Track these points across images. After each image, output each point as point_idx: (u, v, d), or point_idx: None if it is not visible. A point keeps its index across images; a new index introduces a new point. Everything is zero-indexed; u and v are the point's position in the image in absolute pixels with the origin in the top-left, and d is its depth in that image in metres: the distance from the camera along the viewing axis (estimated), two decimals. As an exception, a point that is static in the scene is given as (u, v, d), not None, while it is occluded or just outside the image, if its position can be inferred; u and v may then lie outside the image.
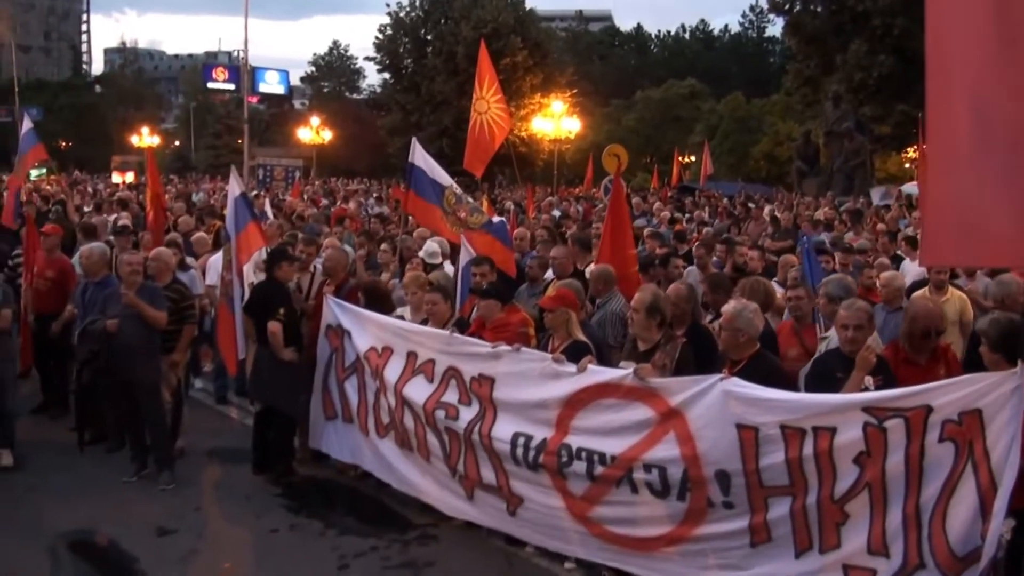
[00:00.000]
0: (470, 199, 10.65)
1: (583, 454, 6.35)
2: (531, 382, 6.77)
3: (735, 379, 5.78)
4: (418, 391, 7.55)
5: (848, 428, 5.33)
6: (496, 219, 11.14)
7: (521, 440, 6.71)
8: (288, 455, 8.77)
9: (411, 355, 7.71)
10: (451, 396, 7.31)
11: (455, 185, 10.51)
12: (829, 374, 6.02)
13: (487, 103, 12.46)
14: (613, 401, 6.27)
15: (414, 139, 10.81)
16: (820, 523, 5.51)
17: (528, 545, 7.04)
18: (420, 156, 10.44)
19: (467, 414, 7.13)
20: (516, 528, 7.01)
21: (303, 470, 8.80)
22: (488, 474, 7.04)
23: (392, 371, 7.81)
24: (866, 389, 5.66)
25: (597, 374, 6.43)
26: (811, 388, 6.10)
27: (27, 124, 14.98)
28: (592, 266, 9.14)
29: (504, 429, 6.85)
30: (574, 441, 6.43)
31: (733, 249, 10.97)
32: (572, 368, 6.52)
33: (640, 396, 6.12)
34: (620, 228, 9.15)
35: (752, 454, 5.62)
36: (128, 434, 8.87)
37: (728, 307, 6.19)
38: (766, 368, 6.05)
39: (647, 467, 6.04)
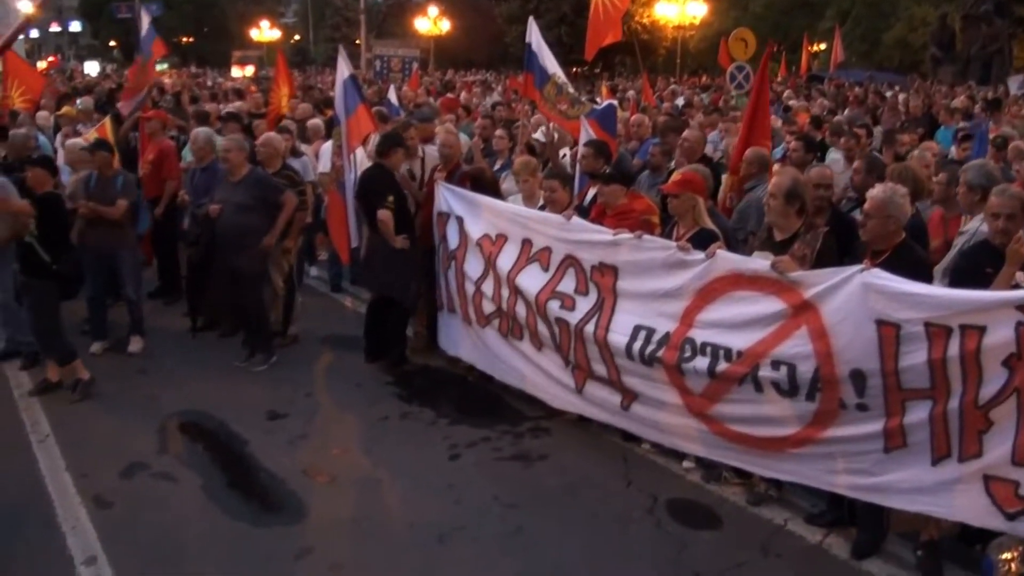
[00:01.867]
0: (571, 90, 10.10)
1: (708, 349, 5.93)
2: (655, 272, 6.33)
3: (877, 271, 5.20)
4: (532, 280, 7.21)
5: (999, 328, 4.75)
6: (602, 103, 10.61)
7: (642, 333, 6.32)
8: (401, 344, 8.65)
9: (526, 242, 7.35)
10: (567, 285, 6.96)
11: (559, 75, 10.00)
12: (977, 268, 5.38)
13: None
14: (744, 294, 5.79)
15: (531, 19, 10.28)
16: (961, 430, 4.97)
17: (644, 441, 6.76)
18: (535, 38, 9.93)
19: (584, 304, 6.78)
20: (630, 423, 6.71)
21: (415, 359, 8.68)
22: (599, 368, 6.71)
23: (505, 259, 7.49)
24: (1017, 286, 5.05)
25: (727, 263, 5.95)
26: (956, 283, 5.49)
27: (146, 20, 14.94)
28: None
29: (624, 321, 6.47)
30: (699, 335, 6.00)
31: (893, 140, 10.09)
32: (699, 257, 6.05)
33: (774, 288, 5.62)
34: (760, 115, 8.52)
35: (891, 353, 5.08)
36: (238, 319, 8.85)
37: (876, 192, 5.54)
38: (912, 260, 5.46)
39: (775, 364, 5.58)
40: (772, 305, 5.64)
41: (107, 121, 10.66)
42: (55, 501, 6.16)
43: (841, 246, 5.88)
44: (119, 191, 8.61)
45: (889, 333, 5.08)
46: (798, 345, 5.49)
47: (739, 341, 5.78)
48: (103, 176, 8.63)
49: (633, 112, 13.99)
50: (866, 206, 5.57)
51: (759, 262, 5.80)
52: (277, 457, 6.77)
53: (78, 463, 6.69)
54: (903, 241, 5.55)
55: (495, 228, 7.70)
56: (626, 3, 12.42)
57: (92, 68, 57.36)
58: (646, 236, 6.51)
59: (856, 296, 5.22)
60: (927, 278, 5.36)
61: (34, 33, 67.44)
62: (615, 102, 11.27)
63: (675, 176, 6.84)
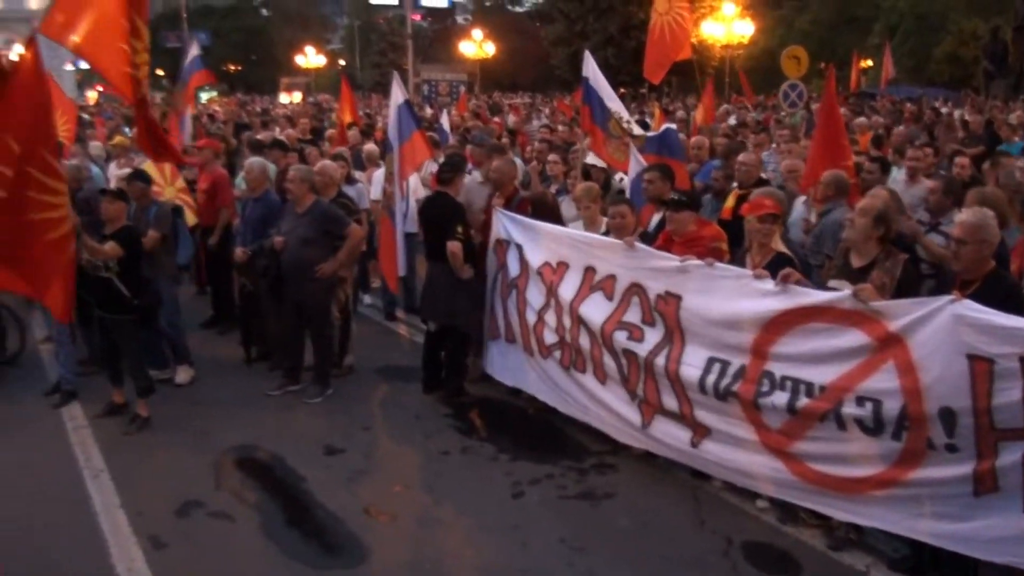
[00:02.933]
0: (635, 129, 9.91)
1: (787, 384, 5.63)
2: (726, 301, 6.03)
3: (968, 302, 4.88)
4: (596, 310, 6.97)
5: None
6: (663, 127, 10.39)
7: (716, 366, 6.04)
8: (460, 375, 8.46)
9: (589, 270, 7.11)
10: (634, 315, 6.70)
11: (622, 112, 9.81)
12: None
13: (668, 3, 11.48)
14: (823, 325, 5.48)
15: (587, 53, 10.09)
16: (1059, 474, 4.66)
17: (714, 478, 6.47)
18: (592, 71, 9.75)
19: (653, 336, 6.52)
20: (700, 461, 6.41)
21: (473, 390, 8.48)
22: (670, 401, 6.44)
23: (567, 287, 7.26)
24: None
25: (805, 294, 5.65)
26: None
27: (194, 50, 14.92)
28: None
29: (697, 353, 6.20)
30: (777, 369, 5.70)
31: (998, 162, 9.15)
32: (775, 285, 5.77)
33: (855, 320, 5.32)
34: (833, 134, 8.23)
35: (984, 390, 4.76)
36: (284, 349, 8.76)
37: (967, 216, 5.23)
38: (1004, 289, 5.14)
39: (859, 400, 5.27)
40: (856, 338, 5.34)
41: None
42: (109, 541, 6.02)
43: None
44: (151, 222, 8.54)
45: (982, 369, 4.77)
46: (884, 380, 5.19)
47: (821, 375, 5.48)
48: (140, 206, 8.57)
49: (695, 132, 13.71)
50: (956, 232, 5.26)
51: (838, 292, 5.52)
52: (336, 494, 6.60)
53: (133, 500, 6.57)
54: (993, 269, 5.25)
55: (556, 255, 7.48)
56: (691, 22, 12.23)
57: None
58: (717, 264, 6.25)
59: (946, 329, 4.91)
60: (1021, 310, 5.05)
61: (84, 63, 68.78)
62: (672, 125, 11.07)
63: (752, 199, 6.57)
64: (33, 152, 6.14)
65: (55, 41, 6.92)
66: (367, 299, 11.55)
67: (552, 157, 10.47)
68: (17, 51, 75.62)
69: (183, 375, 8.86)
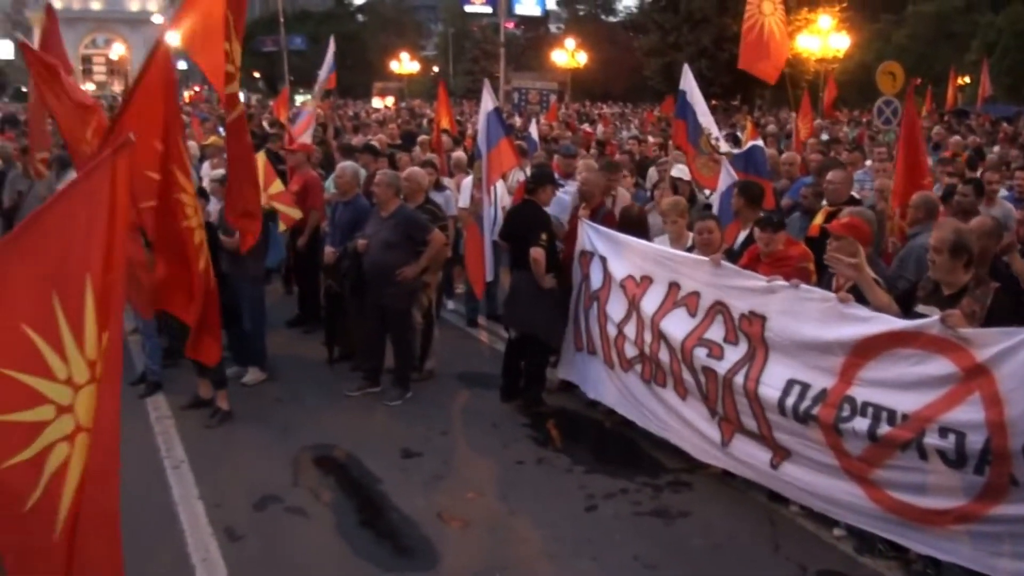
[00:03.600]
0: (721, 147, 9.77)
1: (869, 410, 5.50)
2: (811, 324, 5.92)
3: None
4: (678, 325, 6.92)
5: None
6: (749, 144, 10.24)
7: (796, 388, 5.93)
8: (539, 384, 8.46)
9: (673, 286, 7.07)
10: (715, 333, 6.63)
11: (712, 130, 9.69)
12: None
13: (773, 5, 11.22)
14: (910, 352, 5.34)
15: (685, 65, 9.99)
16: None
17: (791, 503, 6.34)
18: (690, 84, 9.65)
19: (733, 354, 6.44)
20: (779, 483, 6.30)
21: (551, 400, 8.47)
22: (749, 421, 6.34)
23: (650, 302, 7.22)
24: None
25: (891, 320, 5.50)
26: None
27: (329, 54, 15.02)
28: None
29: (776, 374, 6.09)
30: (860, 394, 5.57)
31: None
32: (861, 310, 5.65)
33: (942, 347, 5.17)
34: (913, 153, 8.05)
35: (1072, 429, 4.61)
36: (365, 351, 8.86)
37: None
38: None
39: (943, 431, 5.12)
40: (942, 366, 5.20)
41: (262, 154, 10.84)
42: (187, 531, 6.17)
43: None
44: None
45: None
46: (969, 412, 5.04)
47: (904, 403, 5.35)
48: None
49: (799, 146, 13.44)
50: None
51: (926, 319, 5.36)
52: (411, 498, 6.65)
53: (211, 492, 6.71)
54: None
55: (640, 269, 7.45)
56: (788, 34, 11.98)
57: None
58: (803, 285, 6.14)
59: (1034, 361, 4.76)
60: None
61: (181, 65, 70.85)
62: (760, 142, 10.89)
63: (840, 219, 6.44)
64: (172, 149, 6.21)
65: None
66: (450, 304, 11.63)
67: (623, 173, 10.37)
68: (118, 51, 78.49)
69: (252, 376, 9.00)
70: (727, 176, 8.96)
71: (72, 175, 11.05)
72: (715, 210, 8.72)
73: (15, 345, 2.91)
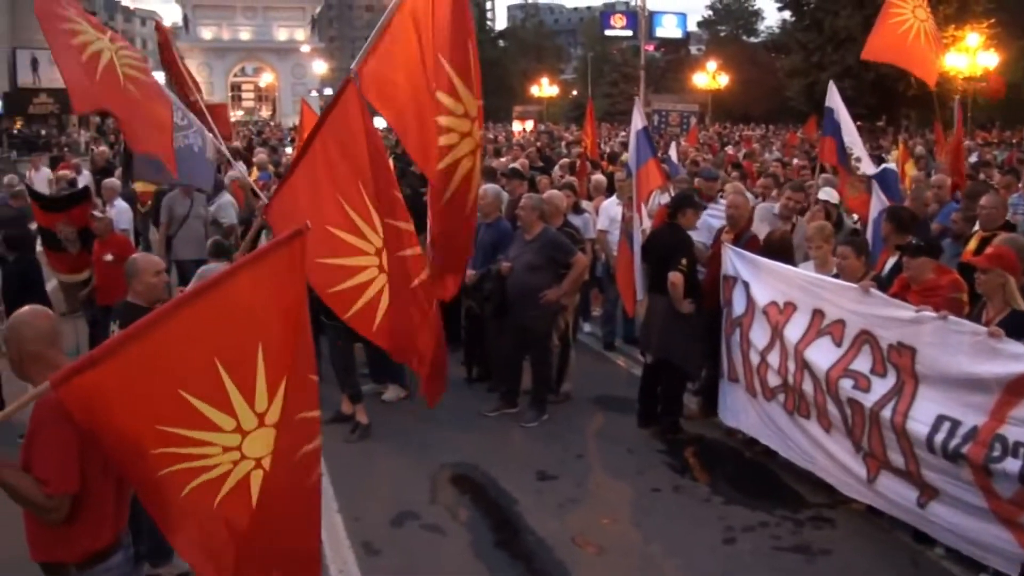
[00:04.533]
0: (863, 161, 9.46)
1: (1021, 450, 5.20)
2: (962, 358, 5.62)
3: None
4: (822, 355, 6.68)
5: None
6: (881, 167, 9.89)
7: (946, 425, 5.64)
8: (676, 411, 8.35)
9: (817, 313, 6.85)
10: (862, 364, 6.37)
11: (855, 151, 9.40)
12: None
13: (925, 11, 10.82)
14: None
15: (831, 83, 9.76)
16: None
17: (938, 545, 6.04)
18: (837, 103, 9.42)
19: (881, 387, 6.17)
20: (925, 523, 5.99)
21: (689, 427, 8.35)
22: (896, 457, 6.07)
23: (793, 330, 7.01)
24: None
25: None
26: None
27: None
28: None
29: (925, 409, 5.82)
30: (1012, 433, 5.26)
31: None
32: (1015, 346, 5.34)
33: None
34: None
35: None
36: (503, 372, 8.94)
37: None
38: None
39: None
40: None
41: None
42: (326, 543, 6.24)
43: None
44: None
45: None
46: None
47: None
48: None
49: (953, 168, 12.89)
50: None
51: None
52: (546, 520, 6.64)
53: (351, 506, 6.86)
54: None
55: (783, 295, 7.25)
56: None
57: (380, 123, 61.37)
58: (952, 317, 5.84)
59: None
60: None
61: (328, 91, 73.31)
62: (891, 165, 10.53)
63: (988, 248, 6.14)
64: (387, 203, 4.91)
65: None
66: (587, 327, 11.60)
67: (790, 194, 10.12)
68: (266, 79, 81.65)
69: (391, 393, 9.19)
70: (878, 202, 8.68)
71: (226, 198, 11.52)
72: (868, 235, 8.45)
73: (177, 408, 3.18)
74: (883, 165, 10.48)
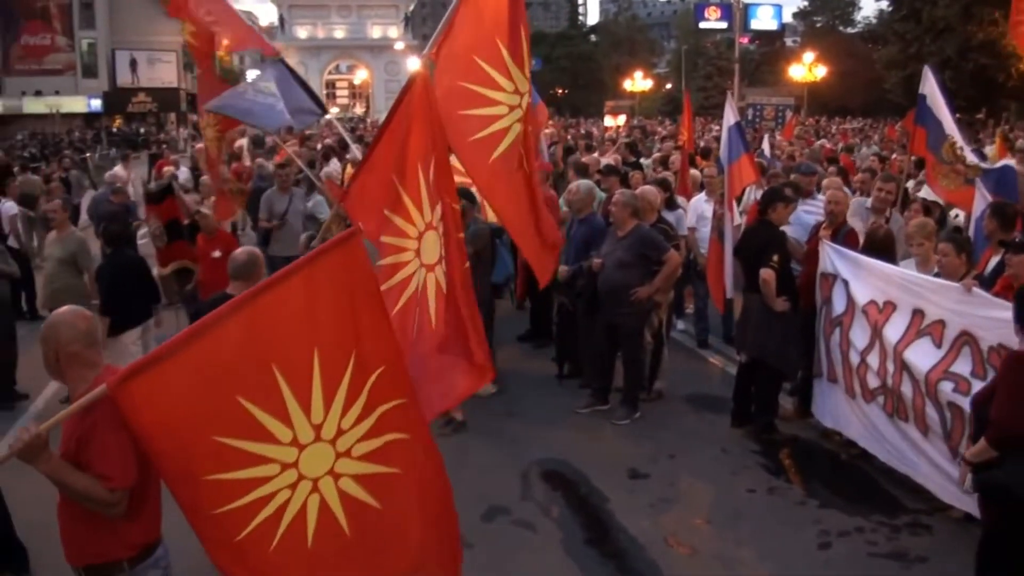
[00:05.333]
0: (969, 157, 9.10)
1: None
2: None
3: None
4: (922, 356, 6.52)
5: None
6: (1001, 163, 9.54)
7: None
8: (771, 411, 8.23)
9: (917, 313, 6.68)
10: (962, 367, 6.20)
11: (956, 137, 9.09)
12: None
13: None
14: None
15: (926, 68, 9.47)
16: None
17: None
18: (930, 88, 9.14)
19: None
20: None
21: (784, 428, 8.22)
22: (997, 463, 5.89)
23: (893, 330, 6.85)
24: None
25: None
26: None
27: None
28: None
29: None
30: None
31: None
32: None
33: None
34: None
35: None
36: (594, 369, 8.92)
37: None
38: None
39: None
40: None
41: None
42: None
43: None
44: (466, 239, 8.90)
45: None
46: None
47: None
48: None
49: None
50: None
51: None
52: (637, 520, 6.63)
53: (442, 498, 6.93)
54: None
55: (883, 294, 7.09)
56: None
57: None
58: None
59: None
60: None
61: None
62: (1011, 162, 10.12)
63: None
64: (443, 184, 4.91)
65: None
66: (680, 325, 11.52)
67: (881, 185, 9.87)
68: (360, 76, 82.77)
69: (484, 388, 9.20)
70: (982, 199, 8.41)
71: (318, 198, 11.69)
72: (971, 232, 8.20)
73: (233, 416, 3.14)
74: (1002, 162, 10.07)
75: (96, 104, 61.03)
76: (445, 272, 4.56)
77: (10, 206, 12.91)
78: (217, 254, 9.07)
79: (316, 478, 3.35)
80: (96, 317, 3.86)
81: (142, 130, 57.37)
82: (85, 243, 9.65)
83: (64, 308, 3.86)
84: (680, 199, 11.02)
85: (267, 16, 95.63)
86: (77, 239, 9.57)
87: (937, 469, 6.51)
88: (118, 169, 18.76)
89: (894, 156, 17.06)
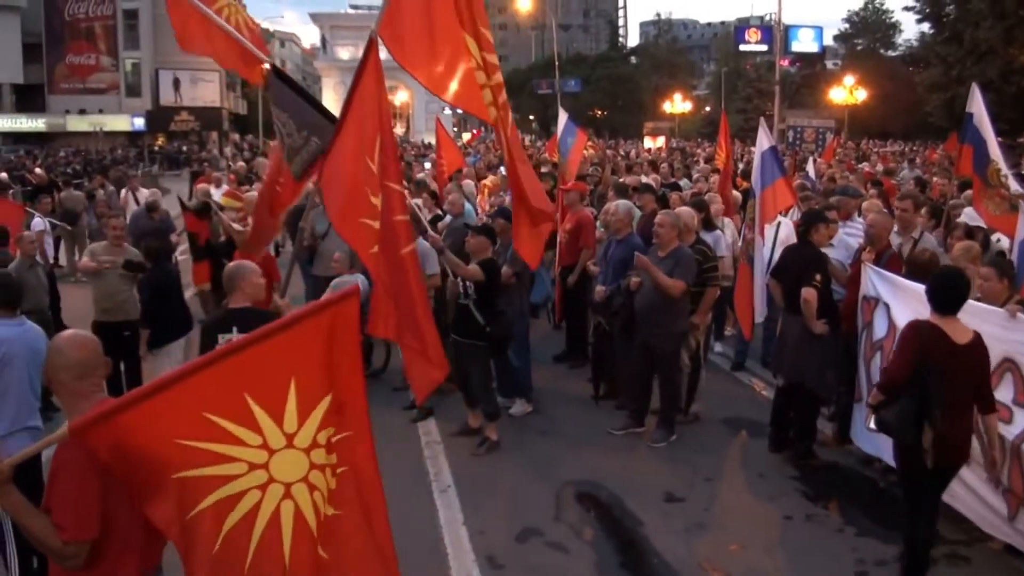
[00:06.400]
0: (1012, 185, 8.94)
1: None
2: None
3: None
4: (963, 383, 6.40)
5: None
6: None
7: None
8: (809, 436, 8.12)
9: (958, 339, 6.56)
10: (1004, 394, 6.07)
11: (1000, 162, 8.95)
12: None
13: None
14: None
15: (974, 86, 9.35)
16: None
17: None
18: (978, 108, 9.03)
19: (1023, 418, 5.88)
20: None
21: (823, 454, 8.10)
22: (1041, 493, 5.75)
23: (934, 356, 6.72)
24: None
25: None
26: None
27: (562, 118, 14.59)
28: None
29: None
30: None
31: None
32: None
33: None
34: None
35: None
36: (630, 390, 8.84)
37: None
38: None
39: None
40: None
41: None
42: (450, 554, 6.38)
43: None
44: (508, 259, 8.92)
45: None
46: None
47: None
48: (501, 242, 8.92)
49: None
50: None
51: None
52: (672, 544, 6.55)
53: (476, 519, 6.91)
54: None
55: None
56: None
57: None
58: None
59: None
60: None
61: (460, 110, 74.28)
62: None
63: None
64: (387, 165, 5.18)
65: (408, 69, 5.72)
66: (718, 347, 11.44)
67: (897, 204, 9.67)
68: (401, 97, 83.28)
69: (519, 407, 9.25)
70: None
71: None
72: (1014, 257, 8.05)
73: (200, 425, 3.08)
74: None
75: (139, 123, 62.21)
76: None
77: (38, 222, 13.15)
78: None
79: (289, 483, 3.25)
80: (98, 344, 3.63)
81: (184, 148, 58.19)
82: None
83: (67, 333, 3.68)
84: (720, 220, 10.93)
85: (309, 37, 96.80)
86: (135, 253, 9.70)
87: (978, 498, 6.37)
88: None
89: (935, 179, 16.87)
